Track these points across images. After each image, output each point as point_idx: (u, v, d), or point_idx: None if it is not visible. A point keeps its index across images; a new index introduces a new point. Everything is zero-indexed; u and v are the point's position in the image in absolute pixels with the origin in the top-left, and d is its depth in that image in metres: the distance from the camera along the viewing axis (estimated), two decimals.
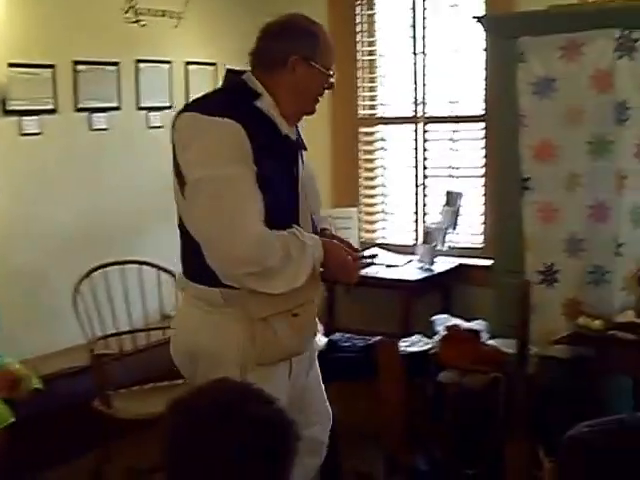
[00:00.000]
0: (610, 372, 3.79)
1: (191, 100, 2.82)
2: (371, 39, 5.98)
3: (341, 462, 4.02)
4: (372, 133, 6.05)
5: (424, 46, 5.70)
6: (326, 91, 2.84)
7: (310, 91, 2.79)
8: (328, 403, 3.12)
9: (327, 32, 2.90)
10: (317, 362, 3.06)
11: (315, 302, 2.80)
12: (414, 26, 5.71)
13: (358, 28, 5.97)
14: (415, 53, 5.73)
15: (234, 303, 2.65)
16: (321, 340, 4.47)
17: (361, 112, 6.04)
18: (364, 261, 2.95)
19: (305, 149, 2.87)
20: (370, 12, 5.95)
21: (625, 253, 4.18)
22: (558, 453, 2.80)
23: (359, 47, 5.98)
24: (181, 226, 2.75)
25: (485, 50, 5.05)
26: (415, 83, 5.75)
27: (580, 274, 4.34)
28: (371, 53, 5.98)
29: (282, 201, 2.67)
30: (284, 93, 2.72)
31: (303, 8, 5.86)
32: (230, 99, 2.70)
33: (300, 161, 2.80)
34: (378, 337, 4.40)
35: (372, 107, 6.03)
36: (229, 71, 2.84)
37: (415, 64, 5.74)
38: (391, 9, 5.90)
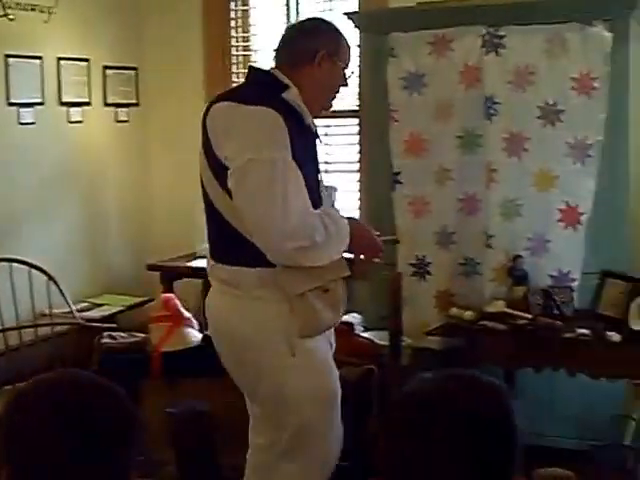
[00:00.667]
0: (481, 362, 3.86)
1: (219, 93, 3.03)
2: (245, 34, 5.96)
3: (219, 457, 4.00)
4: None
5: None
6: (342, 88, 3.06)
7: (331, 86, 3.01)
8: None
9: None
10: None
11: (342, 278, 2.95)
12: (288, 22, 5.72)
13: (232, 23, 5.95)
14: None
15: (268, 283, 2.83)
16: (196, 336, 4.45)
17: None
18: (391, 237, 3.34)
19: (319, 139, 3.04)
20: (244, 7, 5.94)
21: (495, 245, 4.26)
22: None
23: (234, 42, 5.95)
24: (213, 213, 2.91)
25: (358, 46, 5.10)
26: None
27: (451, 266, 4.42)
28: (246, 48, 5.96)
29: (309, 185, 2.83)
30: (309, 87, 2.91)
31: (177, 2, 5.90)
32: (260, 90, 2.88)
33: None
34: None
35: None
36: (252, 68, 3.10)
37: None
38: (266, 5, 5.90)
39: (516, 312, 3.94)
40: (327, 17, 3.24)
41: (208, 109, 2.91)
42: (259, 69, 3.08)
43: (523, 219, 4.22)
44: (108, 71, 5.79)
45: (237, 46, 5.96)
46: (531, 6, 4.25)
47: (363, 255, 3.07)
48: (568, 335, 3.79)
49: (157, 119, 6.16)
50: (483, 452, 1.39)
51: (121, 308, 5.43)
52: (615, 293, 3.89)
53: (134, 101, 6.07)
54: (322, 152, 5.45)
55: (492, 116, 4.20)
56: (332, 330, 3.09)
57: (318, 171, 3.04)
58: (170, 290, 5.33)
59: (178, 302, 4.53)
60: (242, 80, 5.79)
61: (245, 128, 2.78)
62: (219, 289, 3.03)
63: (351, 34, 4.98)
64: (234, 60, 5.97)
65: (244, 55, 5.97)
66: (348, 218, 2.94)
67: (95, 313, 5.26)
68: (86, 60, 5.63)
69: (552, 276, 4.17)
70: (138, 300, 5.49)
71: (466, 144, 4.33)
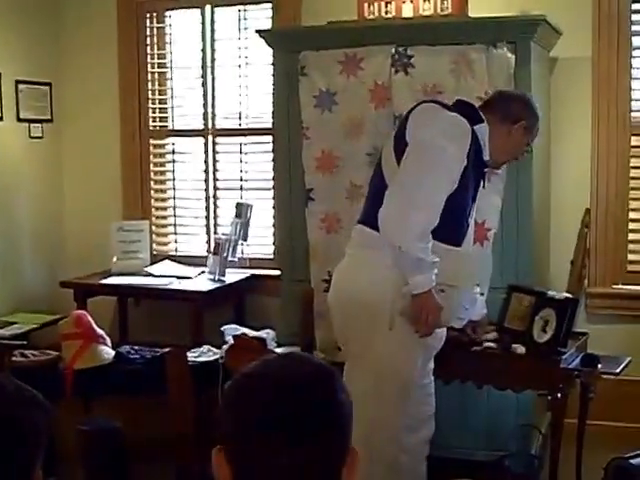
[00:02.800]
0: None
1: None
2: (161, 52, 5.97)
3: (130, 475, 3.99)
4: (163, 145, 6.04)
5: (213, 59, 5.75)
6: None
7: (513, 151, 3.60)
8: None
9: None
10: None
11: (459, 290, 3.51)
12: (203, 40, 5.76)
13: (148, 41, 5.95)
14: (205, 66, 5.77)
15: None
16: (109, 353, 4.43)
17: (152, 124, 6.01)
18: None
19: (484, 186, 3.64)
20: (160, 25, 5.95)
21: None
22: None
23: (149, 59, 5.96)
24: (379, 184, 3.49)
25: (272, 64, 5.15)
26: (205, 96, 5.79)
27: None
28: (161, 65, 5.97)
29: (463, 204, 3.42)
30: (498, 141, 3.49)
31: (93, 18, 5.88)
32: (461, 111, 3.44)
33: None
34: (167, 349, 4.39)
35: (163, 119, 6.02)
36: (459, 101, 3.59)
37: (204, 77, 5.78)
38: (181, 22, 5.92)
39: None
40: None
41: (415, 107, 3.50)
42: (465, 101, 3.59)
43: None
44: (21, 85, 5.74)
45: (152, 63, 5.97)
46: (438, 27, 4.35)
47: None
48: (475, 348, 3.87)
49: (72, 135, 6.13)
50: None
51: (34, 326, 5.37)
52: (520, 307, 3.98)
53: (48, 117, 6.02)
54: (235, 169, 5.52)
55: None
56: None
57: (475, 199, 3.53)
58: (84, 307, 5.30)
59: (91, 319, 4.51)
60: (158, 97, 5.87)
61: (440, 124, 3.38)
62: (348, 253, 3.66)
63: (264, 52, 5.06)
64: (149, 77, 5.97)
65: (159, 72, 5.98)
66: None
67: (6, 331, 5.20)
68: None
69: None
70: (51, 318, 5.43)
71: (376, 161, 4.39)
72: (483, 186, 3.58)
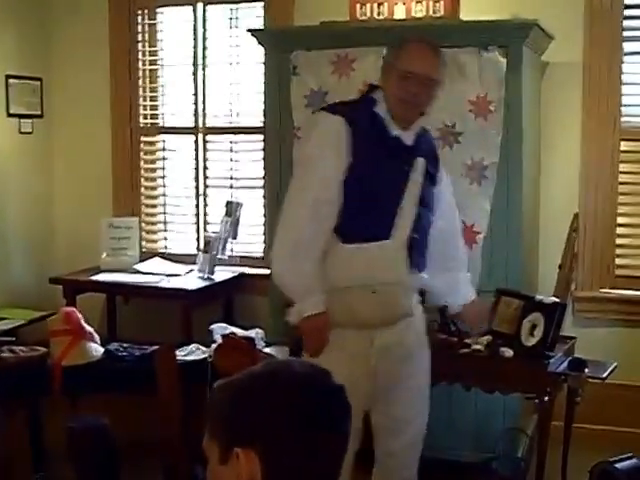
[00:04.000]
0: None
1: None
2: (152, 49, 5.96)
3: (119, 472, 3.99)
4: (153, 142, 6.04)
5: (204, 57, 5.76)
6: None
7: (400, 100, 3.17)
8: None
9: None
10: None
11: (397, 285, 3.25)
12: (195, 37, 5.76)
13: (139, 37, 5.95)
14: (196, 64, 5.77)
15: None
16: (98, 350, 4.42)
17: (142, 121, 6.01)
18: None
19: (423, 156, 3.29)
20: (151, 22, 5.94)
21: None
22: None
23: (140, 56, 5.95)
24: None
25: (263, 64, 5.15)
26: (195, 94, 5.80)
27: None
28: (152, 62, 5.97)
29: (378, 193, 3.16)
30: (387, 99, 3.20)
31: (84, 14, 5.87)
32: (354, 102, 3.34)
33: (421, 166, 3.27)
34: (156, 346, 4.39)
35: (153, 116, 6.02)
36: (370, 85, 3.37)
37: (195, 75, 5.78)
38: (172, 19, 5.92)
39: None
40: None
41: None
42: (371, 85, 3.41)
43: None
44: (11, 80, 5.73)
45: (144, 60, 5.97)
46: (430, 29, 4.35)
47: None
48: (463, 351, 3.88)
49: (62, 131, 6.12)
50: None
51: (23, 322, 5.36)
52: (509, 310, 4.00)
53: (38, 112, 6.01)
54: (225, 167, 5.52)
55: None
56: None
57: (404, 186, 3.24)
58: (73, 304, 5.29)
59: (80, 316, 4.50)
60: (149, 94, 5.88)
61: (312, 134, 3.34)
62: None
63: (255, 51, 5.06)
64: (140, 74, 5.97)
65: (151, 69, 5.97)
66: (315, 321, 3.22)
67: None
68: None
69: None
70: (40, 314, 5.42)
71: None
72: (407, 166, 3.24)
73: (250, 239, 5.68)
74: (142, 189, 6.06)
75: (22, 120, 5.87)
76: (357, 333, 3.24)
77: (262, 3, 5.55)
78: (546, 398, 3.66)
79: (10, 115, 5.76)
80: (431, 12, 4.47)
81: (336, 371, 3.00)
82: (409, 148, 3.25)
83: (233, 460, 1.49)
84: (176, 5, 5.87)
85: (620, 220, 4.98)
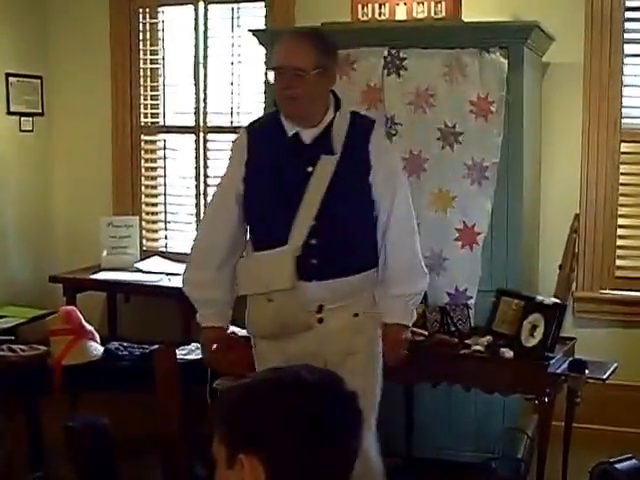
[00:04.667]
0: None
1: None
2: (153, 47, 5.97)
3: (118, 472, 3.99)
4: (154, 142, 6.04)
5: (205, 56, 5.76)
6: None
7: (277, 96, 3.14)
8: None
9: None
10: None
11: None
12: (196, 36, 5.76)
13: (141, 36, 5.95)
14: (197, 63, 5.77)
15: None
16: (98, 349, 4.43)
17: (143, 120, 6.01)
18: None
19: (331, 153, 3.11)
20: (153, 21, 5.94)
21: None
22: None
23: (141, 55, 5.96)
24: None
25: (265, 63, 5.15)
26: (196, 93, 5.80)
27: None
28: (153, 62, 5.97)
29: (275, 198, 3.10)
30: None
31: (85, 13, 5.88)
32: (269, 112, 3.33)
33: (329, 165, 3.10)
34: (156, 346, 4.39)
35: (154, 115, 6.02)
36: None
37: (196, 74, 5.78)
38: (174, 18, 5.92)
39: (414, 329, 4.02)
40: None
41: None
42: None
43: (421, 237, 4.28)
44: (12, 79, 5.74)
45: (145, 59, 5.97)
46: (432, 30, 4.37)
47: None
48: (464, 351, 3.89)
49: (62, 130, 6.12)
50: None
51: (22, 320, 5.36)
52: (509, 311, 4.01)
53: (39, 110, 6.02)
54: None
55: (392, 136, 4.27)
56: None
57: (305, 183, 3.11)
58: (73, 302, 5.30)
59: (80, 315, 4.50)
60: (150, 93, 5.88)
61: None
62: None
63: (256, 50, 5.06)
64: (141, 73, 5.97)
65: (151, 68, 5.97)
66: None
67: None
68: None
69: (449, 294, 4.26)
70: (40, 312, 5.42)
71: None
72: (310, 166, 3.10)
73: None
74: (142, 188, 6.06)
75: (22, 118, 5.88)
76: (268, 343, 3.27)
77: (263, 3, 5.55)
78: (546, 399, 3.67)
79: (10, 113, 5.77)
80: (432, 13, 4.47)
81: None
82: (309, 147, 3.14)
83: (238, 466, 1.48)
84: (177, 4, 5.87)
85: (620, 221, 4.98)
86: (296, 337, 3.17)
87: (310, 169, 3.09)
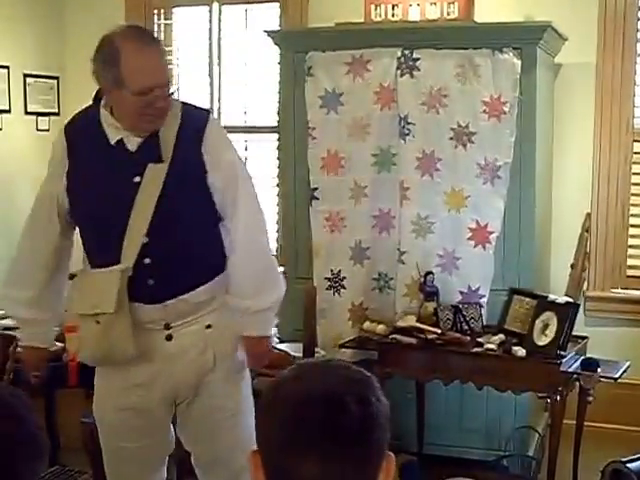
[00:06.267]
0: (392, 374, 3.96)
1: None
2: (168, 48, 6.00)
3: None
4: None
5: (219, 57, 5.80)
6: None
7: (137, 114, 2.69)
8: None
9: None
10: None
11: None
12: (210, 37, 5.80)
13: (155, 36, 5.98)
14: (211, 64, 5.81)
15: None
16: None
17: None
18: None
19: (157, 161, 2.72)
20: (167, 22, 5.98)
21: (407, 261, 4.36)
22: None
23: None
24: None
25: (278, 63, 5.19)
26: (210, 93, 5.83)
27: (365, 281, 4.51)
28: (167, 62, 5.98)
29: (101, 212, 2.73)
30: (119, 112, 2.74)
31: (100, 13, 5.91)
32: (84, 111, 2.87)
33: (160, 173, 2.71)
34: None
35: None
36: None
37: (210, 74, 5.82)
38: (188, 19, 5.96)
39: (426, 327, 4.05)
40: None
41: None
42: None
43: (435, 236, 4.33)
44: (29, 79, 5.79)
45: None
46: (445, 31, 4.39)
47: None
48: (476, 350, 3.91)
49: None
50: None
51: None
52: (521, 309, 4.03)
53: (55, 110, 6.06)
54: None
55: (406, 136, 4.32)
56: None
57: (134, 193, 2.72)
58: None
59: None
60: None
61: None
62: None
63: (270, 51, 5.09)
64: None
65: None
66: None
67: (11, 321, 5.22)
68: (6, 67, 5.61)
69: (462, 292, 4.29)
70: None
71: (381, 162, 4.43)
72: (137, 176, 2.71)
73: None
74: None
75: (39, 118, 5.92)
76: (107, 369, 2.95)
77: (277, 4, 5.58)
78: (558, 397, 3.69)
79: (27, 113, 5.81)
80: (445, 14, 4.51)
81: (94, 410, 3.01)
82: (134, 155, 2.74)
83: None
84: (191, 5, 5.91)
85: (632, 221, 5.00)
86: (138, 365, 2.84)
87: (137, 179, 2.71)
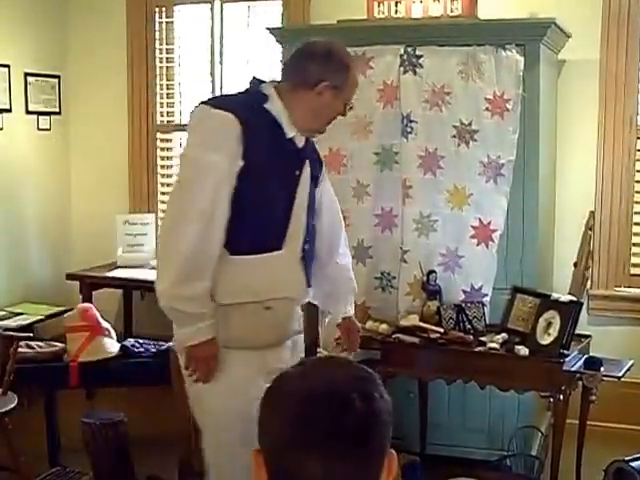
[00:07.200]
0: (395, 374, 3.95)
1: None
2: (169, 46, 5.99)
3: (135, 467, 4.02)
4: (169, 140, 6.06)
5: (221, 55, 5.78)
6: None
7: (327, 115, 3.03)
8: None
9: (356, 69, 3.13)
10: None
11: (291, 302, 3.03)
12: (212, 35, 5.78)
13: (157, 35, 5.97)
14: (213, 61, 5.80)
15: None
16: (114, 346, 4.46)
17: (159, 119, 6.04)
18: None
19: (317, 161, 3.14)
20: (169, 20, 5.97)
21: (410, 260, 4.33)
22: None
23: (157, 54, 5.98)
24: None
25: (280, 61, 5.16)
26: (212, 91, 5.82)
27: (368, 280, 4.48)
28: (169, 60, 6.00)
29: (271, 195, 2.90)
30: (302, 110, 2.94)
31: (102, 12, 5.91)
32: (242, 98, 3.00)
33: (308, 169, 3.04)
34: (171, 343, 4.41)
35: (170, 114, 6.05)
36: (254, 78, 3.06)
37: (212, 72, 5.81)
38: (190, 17, 5.95)
39: (429, 326, 4.03)
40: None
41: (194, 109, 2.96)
42: (255, 78, 3.06)
43: (437, 235, 4.31)
44: (30, 78, 5.78)
45: (161, 57, 5.99)
46: (448, 28, 4.36)
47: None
48: (479, 349, 3.89)
49: (79, 128, 6.16)
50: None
51: (40, 317, 5.40)
52: (524, 308, 4.01)
53: (56, 109, 6.05)
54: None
55: (408, 134, 4.29)
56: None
57: (295, 187, 2.98)
58: (89, 299, 5.33)
59: (96, 312, 4.53)
60: (166, 92, 5.92)
61: (199, 130, 2.85)
62: None
63: (272, 48, 5.07)
64: (157, 71, 5.99)
65: (167, 66, 6.00)
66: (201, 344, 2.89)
67: (12, 322, 5.23)
68: (6, 66, 5.60)
69: (465, 291, 4.26)
70: (57, 309, 5.46)
71: (383, 161, 4.41)
72: (298, 170, 3.00)
73: None
74: (158, 186, 6.09)
75: (40, 117, 5.91)
76: (246, 355, 2.93)
77: (280, 1, 5.57)
78: (561, 396, 3.66)
79: (29, 112, 5.81)
80: (448, 11, 4.47)
81: (222, 402, 2.89)
82: (300, 150, 3.02)
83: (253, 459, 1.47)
84: (193, 3, 5.90)
85: (636, 219, 4.98)
86: (279, 347, 3.01)
87: (297, 172, 3.00)
